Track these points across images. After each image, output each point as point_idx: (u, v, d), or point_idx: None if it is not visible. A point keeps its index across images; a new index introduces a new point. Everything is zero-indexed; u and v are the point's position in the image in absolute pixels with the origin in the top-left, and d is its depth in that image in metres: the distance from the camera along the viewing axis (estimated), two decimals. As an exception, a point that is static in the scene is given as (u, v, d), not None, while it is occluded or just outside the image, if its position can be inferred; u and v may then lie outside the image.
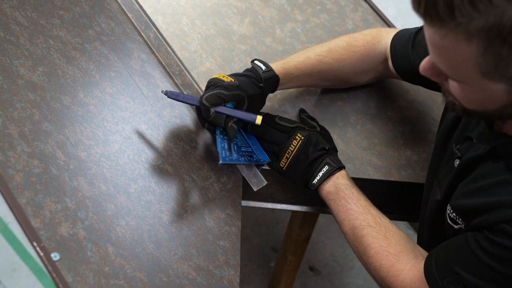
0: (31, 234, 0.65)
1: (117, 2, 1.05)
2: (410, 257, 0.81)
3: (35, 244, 0.65)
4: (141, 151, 0.86)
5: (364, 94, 1.09)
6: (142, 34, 1.05)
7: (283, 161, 0.92)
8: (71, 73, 0.87)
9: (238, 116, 0.89)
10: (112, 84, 0.92)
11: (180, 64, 1.04)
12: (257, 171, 0.97)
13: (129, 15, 1.06)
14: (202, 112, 0.88)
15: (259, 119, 0.89)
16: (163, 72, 1.02)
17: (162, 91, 0.89)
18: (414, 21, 0.71)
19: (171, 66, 1.04)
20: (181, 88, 1.02)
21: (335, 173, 0.90)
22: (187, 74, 1.04)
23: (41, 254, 0.64)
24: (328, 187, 0.90)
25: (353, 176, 1.00)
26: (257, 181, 0.96)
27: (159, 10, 1.10)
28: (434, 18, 0.57)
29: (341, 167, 0.91)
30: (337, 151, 0.95)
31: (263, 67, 0.94)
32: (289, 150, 0.91)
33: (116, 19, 1.03)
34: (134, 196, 0.80)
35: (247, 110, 0.91)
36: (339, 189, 0.89)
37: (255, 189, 0.96)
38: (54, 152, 0.75)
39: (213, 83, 0.89)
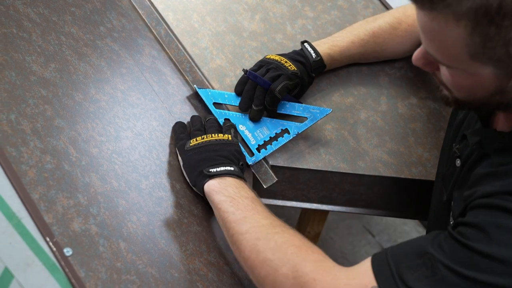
0: (44, 229, 0.66)
1: (128, -2, 1.06)
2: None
3: (48, 239, 0.65)
4: (152, 147, 0.87)
5: (375, 91, 1.09)
6: (153, 30, 1.06)
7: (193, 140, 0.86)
8: (82, 69, 0.87)
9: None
10: (123, 81, 0.92)
11: (190, 60, 1.05)
12: (268, 168, 0.97)
13: (140, 11, 1.06)
14: (271, 101, 0.93)
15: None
16: (173, 69, 1.02)
17: (243, 70, 0.94)
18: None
19: (181, 63, 1.04)
20: (191, 84, 1.02)
21: (239, 179, 0.82)
22: (197, 70, 1.04)
23: (54, 249, 0.65)
24: (228, 181, 0.80)
25: (363, 173, 1.00)
26: (267, 178, 0.97)
27: (170, 7, 1.10)
28: (425, 1, 0.59)
29: (245, 180, 0.83)
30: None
31: (313, 55, 0.99)
32: (211, 135, 0.86)
33: (127, 16, 1.03)
34: (146, 192, 0.80)
35: (296, 94, 0.99)
36: (243, 188, 0.79)
37: (265, 186, 0.96)
38: (66, 148, 0.75)
39: (275, 67, 0.95)
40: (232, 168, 0.82)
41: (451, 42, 0.60)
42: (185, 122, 0.93)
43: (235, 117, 0.97)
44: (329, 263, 0.68)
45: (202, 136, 0.86)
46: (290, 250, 0.69)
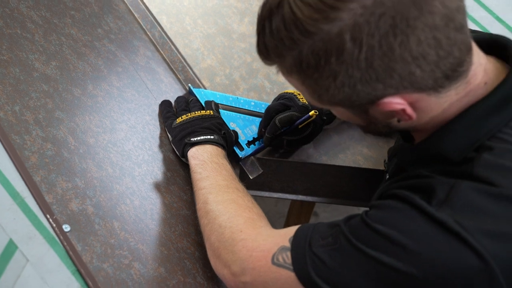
0: (45, 208, 0.73)
1: (125, 2, 1.13)
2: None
3: (48, 216, 0.72)
4: (145, 139, 0.94)
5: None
6: (148, 33, 1.13)
7: (180, 118, 0.94)
8: (81, 67, 0.94)
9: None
10: (119, 79, 0.99)
11: (183, 60, 1.12)
12: (254, 160, 1.04)
13: (135, 15, 1.14)
14: (271, 130, 0.96)
15: (311, 112, 0.96)
16: (166, 68, 1.10)
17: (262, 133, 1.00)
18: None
19: (174, 63, 1.11)
20: (183, 82, 1.09)
21: (218, 146, 0.90)
22: (189, 70, 1.11)
23: (54, 225, 0.72)
24: (205, 148, 0.88)
25: (344, 165, 1.07)
26: (253, 169, 1.03)
27: (164, 10, 1.18)
28: (265, 58, 0.65)
29: (224, 147, 0.91)
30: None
31: None
32: (194, 112, 0.94)
33: (123, 19, 1.11)
34: (138, 179, 0.87)
35: (307, 135, 1.00)
36: (217, 155, 0.88)
37: (251, 177, 1.03)
38: (66, 137, 0.82)
39: (287, 97, 0.98)
40: (211, 137, 0.90)
41: (300, 90, 0.66)
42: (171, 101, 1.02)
43: (226, 115, 1.04)
44: (260, 222, 0.77)
45: (187, 114, 0.95)
46: (231, 206, 0.79)
